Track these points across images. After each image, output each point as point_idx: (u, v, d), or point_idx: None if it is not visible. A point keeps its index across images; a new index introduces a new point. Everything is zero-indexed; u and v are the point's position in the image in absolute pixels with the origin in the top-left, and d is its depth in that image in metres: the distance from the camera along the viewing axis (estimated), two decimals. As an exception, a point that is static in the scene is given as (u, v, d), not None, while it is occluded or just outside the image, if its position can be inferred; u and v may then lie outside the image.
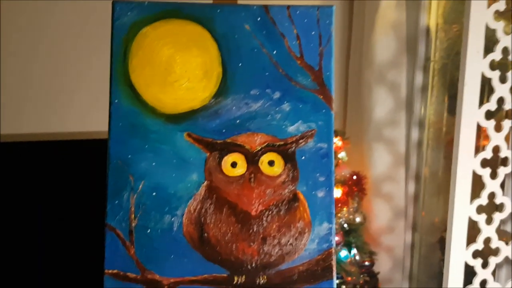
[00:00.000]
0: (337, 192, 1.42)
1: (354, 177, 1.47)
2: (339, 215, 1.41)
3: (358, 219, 1.46)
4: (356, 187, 1.46)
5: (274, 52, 0.52)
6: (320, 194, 0.51)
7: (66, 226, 1.34)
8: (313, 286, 0.50)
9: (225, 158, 0.52)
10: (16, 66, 1.44)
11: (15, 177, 1.30)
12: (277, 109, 0.52)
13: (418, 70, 1.68)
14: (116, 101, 0.51)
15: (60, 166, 1.34)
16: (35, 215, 1.32)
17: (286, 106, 0.52)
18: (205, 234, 0.51)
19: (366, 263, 1.50)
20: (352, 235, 1.44)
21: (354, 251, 1.44)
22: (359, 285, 1.47)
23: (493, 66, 0.92)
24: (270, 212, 0.51)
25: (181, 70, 0.52)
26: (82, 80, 1.52)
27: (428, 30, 1.66)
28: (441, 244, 1.63)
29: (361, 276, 1.48)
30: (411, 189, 1.72)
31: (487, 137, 1.04)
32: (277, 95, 0.52)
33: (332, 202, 0.51)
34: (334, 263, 0.50)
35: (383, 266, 1.68)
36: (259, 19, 0.52)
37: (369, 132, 1.68)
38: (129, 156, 0.51)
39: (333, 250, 0.50)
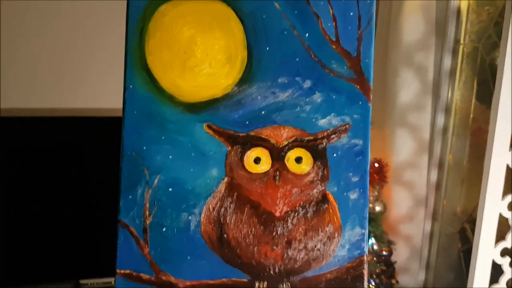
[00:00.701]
0: (357, 180, 1.37)
1: (376, 165, 1.42)
2: (358, 203, 1.37)
3: (378, 208, 1.42)
4: (378, 175, 1.42)
5: (307, 35, 0.47)
6: (353, 196, 0.46)
7: (71, 207, 1.33)
8: (341, 296, 0.46)
9: (248, 153, 0.47)
10: (23, 40, 1.41)
11: (22, 152, 1.29)
12: (307, 99, 0.47)
13: (447, 53, 1.61)
14: (131, 86, 0.46)
15: (67, 143, 1.33)
16: (40, 194, 1.31)
17: (317, 97, 0.47)
18: (225, 235, 0.47)
19: (384, 252, 1.46)
20: (371, 224, 1.40)
21: (372, 240, 1.41)
22: (376, 275, 1.44)
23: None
24: (296, 214, 0.46)
25: (202, 53, 0.47)
26: (93, 55, 1.49)
27: (459, 12, 1.59)
28: (461, 235, 1.59)
29: (378, 265, 1.45)
30: (434, 177, 1.68)
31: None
32: (308, 84, 0.47)
33: (366, 205, 0.46)
34: (366, 272, 0.46)
35: (400, 255, 1.66)
36: (291, -3, 0.47)
37: (392, 117, 1.63)
38: (144, 147, 0.47)
39: (365, 258, 0.46)
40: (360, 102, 0.47)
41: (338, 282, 0.46)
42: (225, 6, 0.47)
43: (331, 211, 0.47)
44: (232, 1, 0.47)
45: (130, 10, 0.46)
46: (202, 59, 0.47)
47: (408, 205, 1.64)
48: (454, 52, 1.61)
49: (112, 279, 1.39)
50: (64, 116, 1.42)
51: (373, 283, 1.40)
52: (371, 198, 1.41)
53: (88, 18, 1.46)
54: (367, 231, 0.46)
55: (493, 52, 1.47)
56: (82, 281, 1.35)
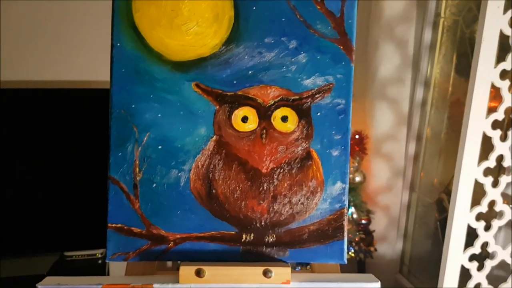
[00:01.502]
0: (339, 150, 1.40)
1: (357, 136, 1.45)
2: (339, 173, 1.40)
3: (358, 179, 1.46)
4: (358, 146, 1.44)
5: (292, -5, 0.48)
6: (335, 152, 0.49)
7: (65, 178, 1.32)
8: (323, 246, 0.48)
9: (236, 112, 0.48)
10: (17, 14, 1.38)
11: (16, 124, 1.28)
12: (292, 59, 0.48)
13: (427, 26, 1.62)
14: (118, 44, 0.47)
15: (60, 115, 1.31)
16: (26, 166, 1.30)
17: (302, 57, 0.48)
18: (213, 191, 0.48)
19: (363, 221, 1.51)
20: (351, 194, 1.44)
21: (352, 209, 1.45)
22: (355, 242, 1.49)
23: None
24: (282, 170, 0.48)
25: (189, 12, 0.47)
26: (84, 28, 1.46)
27: (440, -16, 1.59)
28: (438, 205, 1.63)
29: (357, 233, 1.50)
30: (412, 150, 1.71)
31: (494, 99, 1.01)
32: (293, 44, 0.48)
33: (347, 161, 0.48)
34: (346, 223, 0.48)
35: (379, 224, 1.70)
36: (277, -43, 0.47)
37: (373, 91, 1.64)
38: (133, 105, 0.47)
39: (345, 211, 0.48)
40: (343, 62, 0.48)
41: (320, 233, 0.49)
42: (212, -35, 0.47)
43: (314, 167, 0.49)
44: (219, -40, 0.47)
45: (117, -33, 0.46)
46: (190, 17, 0.47)
47: (386, 176, 1.68)
48: (435, 26, 1.62)
49: (96, 251, 1.40)
50: (53, 88, 1.39)
51: (352, 250, 1.45)
52: (351, 168, 1.44)
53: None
54: (348, 185, 0.48)
55: (473, 25, 1.49)
56: (67, 253, 1.36)
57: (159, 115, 0.48)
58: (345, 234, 0.48)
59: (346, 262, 0.49)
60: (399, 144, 1.67)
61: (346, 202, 0.49)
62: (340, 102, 0.49)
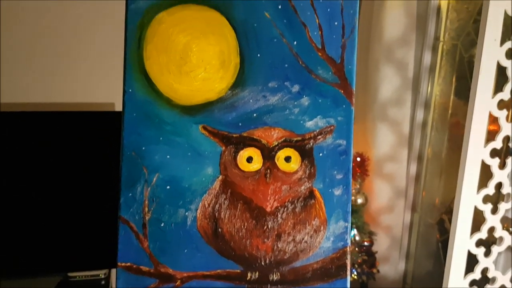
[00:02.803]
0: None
1: (358, 159, 1.47)
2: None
3: (360, 201, 1.47)
4: (359, 168, 1.46)
5: (295, 42, 0.50)
6: (337, 192, 0.50)
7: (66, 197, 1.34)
8: (326, 284, 0.50)
9: (241, 152, 0.50)
10: (18, 37, 1.41)
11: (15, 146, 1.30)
12: (295, 103, 0.50)
13: (427, 50, 1.65)
14: (130, 90, 0.49)
15: (58, 137, 1.34)
16: (30, 187, 1.32)
17: (305, 100, 0.50)
18: (219, 229, 0.50)
19: (366, 243, 1.52)
20: (353, 216, 1.45)
21: (354, 231, 1.46)
22: (357, 264, 1.50)
23: (508, 55, 0.90)
24: (286, 209, 0.50)
25: (197, 59, 0.50)
26: (84, 51, 1.49)
27: (439, 9, 1.62)
28: (439, 225, 1.64)
29: (360, 255, 1.50)
30: (413, 170, 1.73)
31: (493, 123, 1.03)
32: (296, 88, 0.50)
33: (349, 200, 0.50)
34: (348, 261, 0.50)
35: (381, 245, 1.71)
36: (280, 6, 0.50)
37: (373, 112, 1.67)
38: (143, 148, 0.49)
39: (348, 249, 0.50)
40: (344, 105, 0.50)
41: (324, 271, 0.50)
42: (218, 15, 0.50)
43: (317, 206, 0.50)
44: (225, 10, 0.49)
45: (128, 17, 0.49)
46: (198, 64, 0.50)
47: (388, 196, 1.69)
48: (434, 49, 1.66)
49: (99, 272, 1.41)
50: (53, 110, 1.42)
51: (355, 273, 1.46)
52: (353, 190, 1.46)
53: (80, 17, 1.46)
54: (350, 224, 0.50)
55: (472, 49, 1.52)
56: (71, 274, 1.37)
57: (168, 156, 0.50)
58: (348, 272, 0.50)
59: (349, 300, 0.50)
60: (400, 165, 1.69)
61: (349, 241, 0.50)
62: (341, 143, 0.51)
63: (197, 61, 0.50)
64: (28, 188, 1.32)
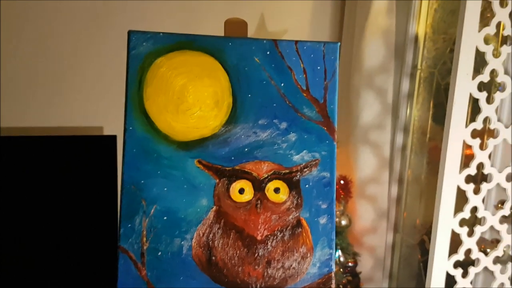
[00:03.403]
0: (325, 196, 1.46)
1: (342, 182, 1.51)
2: (325, 218, 1.45)
3: (344, 222, 1.51)
4: (343, 191, 1.51)
5: (282, 84, 0.55)
6: (322, 220, 0.55)
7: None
8: (313, 307, 0.54)
9: (233, 184, 0.54)
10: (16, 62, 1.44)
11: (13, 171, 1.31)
12: (283, 138, 0.55)
13: (405, 77, 1.72)
14: (130, 128, 0.53)
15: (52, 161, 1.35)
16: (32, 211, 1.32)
17: (292, 136, 0.55)
18: (213, 257, 0.54)
19: (350, 264, 1.55)
20: (337, 237, 1.49)
21: (338, 252, 1.49)
22: (342, 285, 1.53)
23: (480, 87, 0.97)
24: (275, 237, 0.54)
25: (193, 99, 0.54)
26: (73, 76, 1.52)
27: (416, 39, 1.70)
28: (420, 246, 1.69)
29: (344, 276, 1.54)
30: (394, 192, 1.77)
31: (469, 147, 1.09)
32: (284, 125, 0.55)
33: (333, 228, 0.54)
34: (333, 286, 0.54)
35: (365, 265, 1.74)
36: (268, 52, 0.55)
37: (355, 136, 1.72)
38: (142, 181, 0.53)
39: (332, 274, 0.54)
40: (327, 141, 0.55)
41: (310, 295, 0.54)
42: (212, 59, 0.54)
43: (304, 234, 0.55)
44: (218, 55, 0.54)
45: (130, 61, 0.53)
46: (193, 104, 0.54)
47: (371, 218, 1.73)
48: (412, 76, 1.73)
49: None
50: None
51: (340, 293, 1.49)
52: (337, 212, 1.50)
53: (71, 44, 1.50)
54: (334, 251, 0.54)
55: (448, 77, 1.60)
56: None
57: (165, 189, 0.53)
58: (333, 296, 0.54)
59: (334, 322, 0.54)
60: (382, 187, 1.74)
61: (333, 267, 0.54)
62: (325, 176, 0.55)
63: (193, 101, 0.54)
64: (14, 215, 1.32)
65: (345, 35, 1.77)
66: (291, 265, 0.54)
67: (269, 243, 0.54)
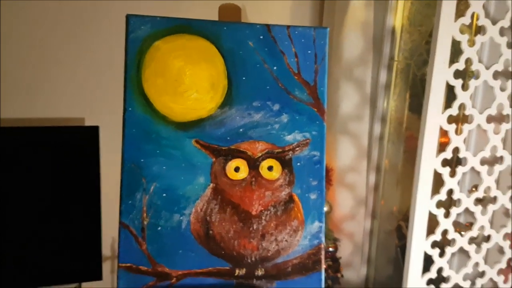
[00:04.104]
0: (307, 183, 1.50)
1: (323, 169, 1.56)
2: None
3: (325, 209, 1.56)
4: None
5: (275, 68, 0.58)
6: (313, 196, 0.58)
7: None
8: (304, 277, 0.57)
9: (229, 163, 0.57)
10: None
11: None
12: (276, 119, 0.58)
13: (383, 69, 1.78)
14: (130, 109, 0.55)
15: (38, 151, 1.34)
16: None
17: (284, 117, 0.58)
18: (211, 231, 0.56)
19: (330, 249, 1.60)
20: (319, 223, 1.53)
21: (320, 238, 1.54)
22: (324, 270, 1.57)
23: (456, 75, 1.02)
24: (269, 212, 0.57)
25: (190, 81, 0.56)
26: (54, 67, 1.51)
27: (393, 31, 1.76)
28: (398, 231, 1.76)
29: (325, 261, 1.59)
30: (372, 180, 1.83)
31: (444, 135, 1.15)
32: (276, 107, 0.58)
33: (323, 203, 0.58)
34: (323, 256, 0.57)
35: (344, 251, 1.80)
36: (261, 37, 0.58)
37: (335, 126, 1.77)
38: (142, 160, 0.55)
39: (322, 246, 0.58)
40: (317, 122, 0.59)
41: (302, 265, 0.57)
42: (209, 44, 0.57)
43: (296, 209, 0.58)
44: (214, 39, 0.57)
45: (128, 44, 0.55)
46: (190, 86, 0.56)
47: (350, 205, 1.79)
48: (389, 68, 1.78)
49: (71, 285, 1.41)
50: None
51: (321, 277, 1.53)
52: (319, 199, 1.54)
53: (53, 35, 1.48)
54: (324, 224, 0.58)
55: (424, 68, 1.66)
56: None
57: (164, 167, 0.56)
58: (323, 266, 0.58)
59: (324, 290, 0.57)
60: (360, 175, 1.79)
61: (323, 238, 0.58)
62: (315, 154, 0.59)
63: (190, 83, 0.56)
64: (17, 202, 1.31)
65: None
66: (283, 238, 0.58)
67: (263, 218, 0.57)
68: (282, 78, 0.58)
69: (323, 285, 0.57)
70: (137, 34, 0.55)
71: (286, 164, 0.58)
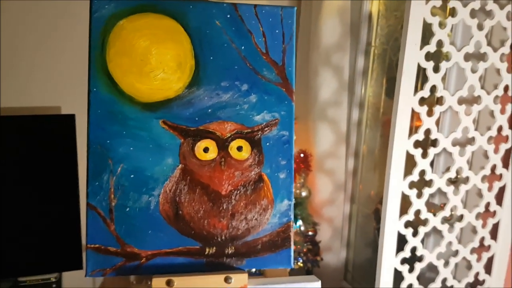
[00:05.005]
0: (285, 169, 1.51)
1: (302, 155, 1.58)
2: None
3: (304, 193, 1.58)
4: (303, 164, 1.57)
5: (243, 47, 0.58)
6: (282, 175, 0.59)
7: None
8: (274, 254, 0.58)
9: (198, 144, 0.57)
10: None
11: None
12: (245, 99, 0.58)
13: (360, 54, 1.79)
14: (94, 89, 0.54)
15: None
16: None
17: (253, 97, 0.58)
18: (180, 212, 0.56)
19: (310, 233, 1.63)
20: (298, 208, 1.55)
21: (299, 222, 1.56)
22: (303, 253, 1.60)
23: (428, 57, 1.04)
24: (238, 192, 0.58)
25: (156, 61, 0.56)
26: (30, 57, 1.48)
27: (370, 17, 1.77)
28: (375, 215, 1.79)
29: (305, 244, 1.61)
30: (351, 165, 1.86)
31: (418, 119, 1.17)
32: (245, 87, 0.58)
33: (292, 182, 0.58)
34: (292, 234, 0.58)
35: (324, 235, 1.83)
36: (228, 16, 0.57)
37: (314, 112, 1.78)
38: (108, 141, 0.55)
39: (291, 223, 0.58)
40: (286, 102, 0.59)
41: (271, 243, 0.58)
42: (175, 23, 0.56)
43: (265, 188, 0.58)
44: (180, 18, 0.56)
45: (92, 24, 0.54)
46: (157, 66, 0.56)
47: (329, 190, 1.82)
48: (367, 53, 1.80)
49: (50, 276, 1.40)
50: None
51: (301, 261, 1.56)
52: (298, 184, 1.56)
53: (29, 25, 1.45)
54: (293, 202, 0.58)
55: (399, 52, 1.68)
56: (21, 279, 1.35)
57: (131, 148, 0.55)
58: (292, 243, 0.58)
59: (293, 266, 0.58)
60: (339, 161, 1.82)
61: (292, 216, 0.58)
62: (284, 134, 0.59)
63: (156, 63, 0.56)
64: None
65: (303, 15, 1.81)
66: (253, 217, 0.58)
67: (233, 197, 0.58)
68: (250, 58, 0.58)
69: (292, 261, 0.58)
70: (101, 13, 0.54)
71: (255, 144, 0.58)
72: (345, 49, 1.75)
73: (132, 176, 0.55)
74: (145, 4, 0.55)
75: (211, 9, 0.57)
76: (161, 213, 0.56)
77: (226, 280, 0.55)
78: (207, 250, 0.57)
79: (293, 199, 0.58)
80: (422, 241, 1.18)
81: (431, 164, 1.11)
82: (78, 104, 1.41)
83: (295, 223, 1.57)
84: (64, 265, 1.38)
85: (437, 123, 1.09)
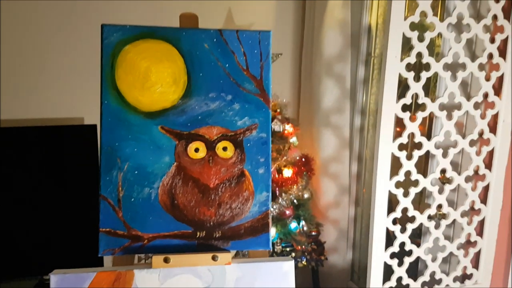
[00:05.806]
0: (288, 172, 1.61)
1: (303, 159, 1.67)
2: (289, 192, 1.61)
3: (306, 195, 1.66)
4: (305, 167, 1.66)
5: (227, 65, 0.70)
6: (261, 171, 0.70)
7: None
8: (254, 238, 0.69)
9: (190, 145, 0.69)
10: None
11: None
12: (229, 108, 0.70)
13: (361, 64, 1.87)
14: (106, 102, 0.67)
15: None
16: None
17: (236, 106, 0.70)
18: (175, 201, 0.68)
19: (313, 233, 1.71)
20: (301, 209, 1.64)
21: (302, 222, 1.65)
22: (308, 253, 1.68)
23: (408, 67, 1.13)
24: (224, 185, 0.69)
25: (155, 78, 0.68)
26: (55, 71, 1.63)
27: (369, 29, 1.86)
28: (378, 216, 1.85)
29: (309, 244, 1.69)
30: (354, 169, 1.93)
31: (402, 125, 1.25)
32: (229, 97, 0.70)
33: (269, 176, 0.69)
34: (270, 220, 0.69)
35: (330, 236, 1.89)
36: (215, 40, 0.69)
37: (318, 119, 1.87)
38: (117, 143, 0.67)
39: (269, 212, 0.69)
40: (264, 109, 0.70)
41: (253, 228, 0.69)
42: (170, 46, 0.69)
43: (247, 182, 0.70)
44: (175, 43, 0.68)
45: (103, 48, 0.67)
46: (156, 82, 0.68)
47: (334, 193, 1.88)
48: (367, 63, 1.88)
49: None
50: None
51: (305, 260, 1.64)
52: (300, 187, 1.65)
53: (55, 43, 1.60)
54: (270, 193, 0.69)
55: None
56: (46, 277, 1.47)
57: (135, 149, 0.68)
58: (270, 228, 0.69)
59: (271, 248, 0.69)
60: (343, 165, 1.89)
61: (270, 205, 0.69)
62: (263, 136, 0.70)
63: (156, 79, 0.68)
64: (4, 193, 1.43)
65: (307, 28, 1.91)
66: (237, 206, 0.69)
67: (220, 190, 0.69)
68: (233, 73, 0.70)
69: (270, 244, 0.68)
70: (110, 40, 0.67)
71: (238, 144, 0.70)
72: (346, 59, 1.83)
73: (136, 172, 0.68)
74: (145, 32, 0.68)
75: (200, 34, 0.69)
76: (160, 202, 0.68)
77: (214, 258, 0.66)
78: (198, 233, 0.69)
79: (270, 191, 0.69)
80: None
81: (415, 165, 1.19)
82: (97, 114, 1.55)
83: (298, 224, 1.65)
84: (87, 263, 1.50)
85: (430, 127, 1.17)
